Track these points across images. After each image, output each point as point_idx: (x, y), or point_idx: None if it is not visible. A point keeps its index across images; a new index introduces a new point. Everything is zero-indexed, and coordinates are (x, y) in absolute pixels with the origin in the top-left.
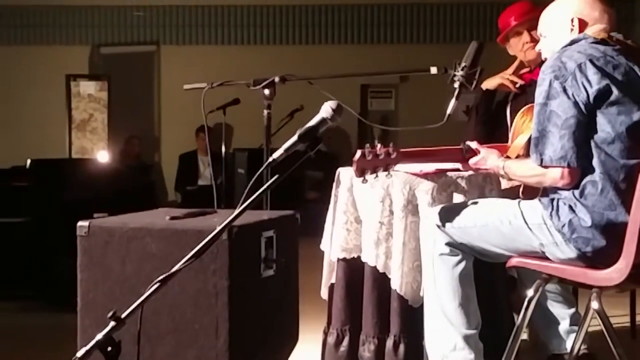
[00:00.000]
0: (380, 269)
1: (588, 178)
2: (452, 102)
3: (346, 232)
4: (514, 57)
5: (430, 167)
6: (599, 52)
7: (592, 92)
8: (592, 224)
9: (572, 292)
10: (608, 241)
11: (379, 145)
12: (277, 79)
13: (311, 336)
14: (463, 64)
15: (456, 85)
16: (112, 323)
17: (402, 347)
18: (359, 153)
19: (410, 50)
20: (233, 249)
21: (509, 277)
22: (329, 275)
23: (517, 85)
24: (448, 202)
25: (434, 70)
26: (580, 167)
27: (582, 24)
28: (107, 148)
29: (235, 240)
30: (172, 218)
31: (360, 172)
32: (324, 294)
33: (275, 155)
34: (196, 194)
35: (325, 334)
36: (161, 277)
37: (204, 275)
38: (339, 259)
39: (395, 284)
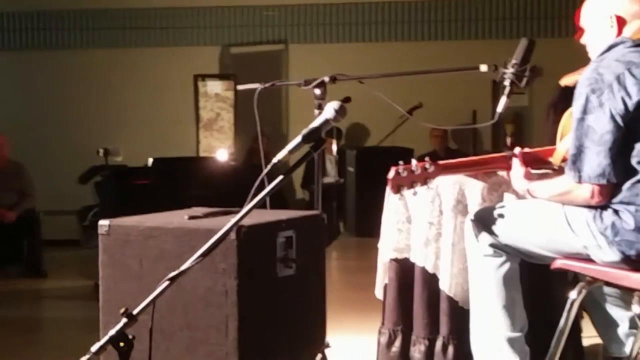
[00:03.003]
0: (430, 270)
1: (628, 183)
2: (503, 100)
3: (397, 232)
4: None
5: None
6: (639, 57)
7: (631, 104)
8: (635, 227)
9: None
10: None
11: (413, 162)
12: (327, 79)
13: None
14: (513, 62)
15: (506, 83)
16: (124, 320)
17: (451, 349)
18: (392, 171)
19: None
20: (242, 249)
21: (572, 277)
22: (383, 275)
23: None
24: (499, 202)
25: (483, 68)
26: (613, 184)
27: (621, 22)
28: (233, 147)
29: (244, 239)
30: (191, 217)
31: (396, 189)
32: (379, 293)
33: (279, 156)
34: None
35: (380, 333)
36: (170, 276)
37: (214, 274)
38: (390, 259)
39: (444, 285)
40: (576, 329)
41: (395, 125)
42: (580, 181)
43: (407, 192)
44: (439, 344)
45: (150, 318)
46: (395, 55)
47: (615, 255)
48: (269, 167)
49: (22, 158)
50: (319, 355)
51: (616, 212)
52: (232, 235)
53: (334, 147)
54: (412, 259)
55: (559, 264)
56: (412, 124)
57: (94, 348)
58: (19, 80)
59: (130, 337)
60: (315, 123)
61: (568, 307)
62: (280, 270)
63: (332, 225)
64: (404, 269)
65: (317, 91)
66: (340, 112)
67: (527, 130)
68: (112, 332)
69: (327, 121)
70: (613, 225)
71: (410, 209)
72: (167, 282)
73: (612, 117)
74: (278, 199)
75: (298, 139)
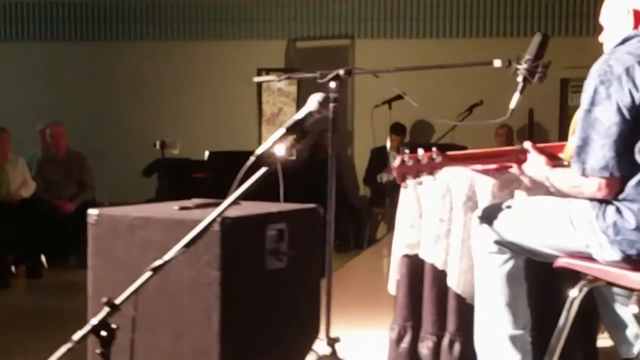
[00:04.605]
0: (439, 266)
1: (634, 180)
2: (516, 96)
3: (410, 228)
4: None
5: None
6: None
7: (638, 97)
8: (636, 226)
9: None
10: None
11: (420, 151)
12: (342, 72)
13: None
14: (526, 57)
15: (519, 79)
16: (106, 309)
17: (457, 346)
18: (398, 159)
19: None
20: (226, 240)
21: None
22: (396, 270)
23: None
24: (509, 199)
25: (497, 63)
26: (620, 177)
27: (638, 16)
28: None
29: (227, 231)
30: (181, 208)
31: (401, 178)
32: (392, 289)
33: (262, 148)
34: (382, 189)
35: (391, 329)
36: (153, 266)
37: (198, 265)
38: (402, 255)
39: (452, 282)
40: (590, 329)
41: (454, 124)
42: (584, 173)
43: (412, 182)
44: (445, 341)
45: (133, 308)
46: (463, 52)
47: (616, 254)
48: (251, 160)
49: (84, 149)
50: (329, 349)
51: (619, 210)
52: (216, 227)
53: (388, 144)
54: (422, 255)
55: (561, 262)
56: (473, 121)
57: (75, 337)
58: (80, 72)
59: (113, 326)
60: (299, 115)
61: (568, 305)
62: (269, 262)
63: (385, 222)
64: (415, 265)
65: (333, 84)
66: (323, 105)
67: None
68: (93, 320)
69: (310, 113)
70: (615, 224)
71: (423, 205)
72: (149, 273)
73: (619, 109)
74: (339, 195)
75: (282, 130)
